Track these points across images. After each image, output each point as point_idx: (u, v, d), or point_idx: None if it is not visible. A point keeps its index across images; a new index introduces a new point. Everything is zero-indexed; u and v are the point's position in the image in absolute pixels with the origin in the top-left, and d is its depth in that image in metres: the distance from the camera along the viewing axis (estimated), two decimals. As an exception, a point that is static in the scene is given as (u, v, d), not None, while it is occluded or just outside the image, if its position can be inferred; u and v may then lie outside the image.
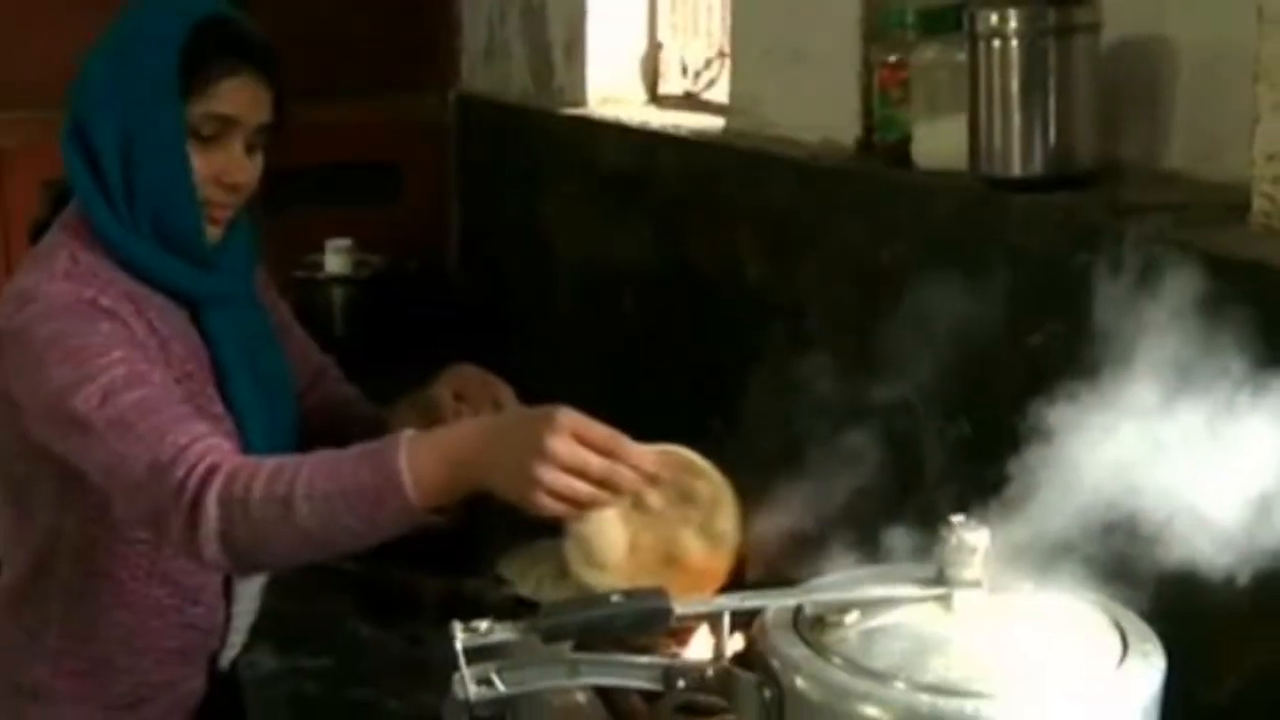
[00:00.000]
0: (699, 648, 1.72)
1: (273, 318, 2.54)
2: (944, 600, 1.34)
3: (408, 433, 1.92)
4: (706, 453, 1.98)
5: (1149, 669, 1.26)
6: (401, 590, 2.69)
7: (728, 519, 1.94)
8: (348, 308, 4.56)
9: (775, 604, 1.42)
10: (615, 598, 1.49)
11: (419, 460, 1.86)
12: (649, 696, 1.72)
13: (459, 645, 1.43)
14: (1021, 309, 1.86)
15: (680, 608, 1.48)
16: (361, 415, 2.58)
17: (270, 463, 1.94)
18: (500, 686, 1.43)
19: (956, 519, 1.35)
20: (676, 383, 3.07)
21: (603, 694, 1.82)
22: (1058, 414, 1.31)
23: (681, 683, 1.44)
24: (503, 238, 4.72)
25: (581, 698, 1.83)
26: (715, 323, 2.87)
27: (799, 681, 1.28)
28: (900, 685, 1.22)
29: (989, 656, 1.27)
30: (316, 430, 2.42)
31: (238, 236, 2.34)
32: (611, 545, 1.91)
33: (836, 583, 1.47)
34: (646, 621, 1.50)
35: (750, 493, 1.95)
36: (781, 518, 1.86)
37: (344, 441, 1.99)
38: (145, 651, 2.38)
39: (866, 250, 2.25)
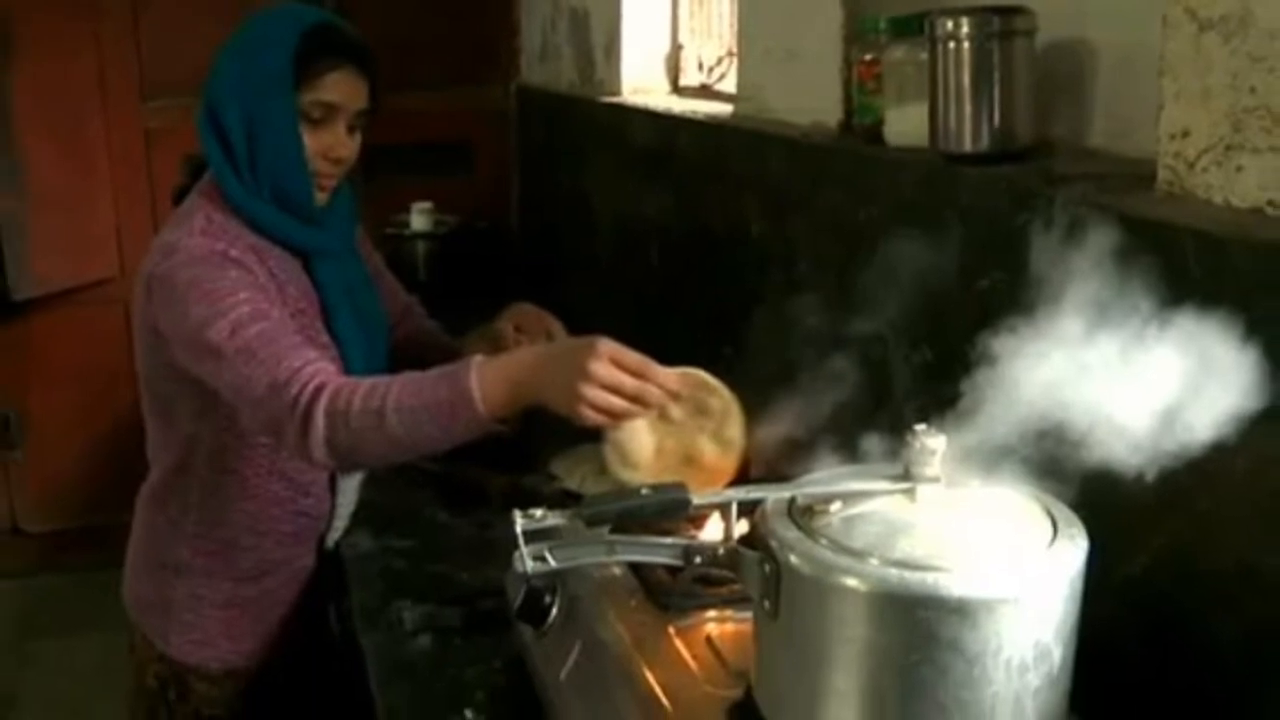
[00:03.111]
0: (712, 531, 1.73)
1: (368, 266, 2.55)
2: (909, 493, 1.34)
3: (477, 358, 1.93)
4: (718, 374, 1.98)
5: (1074, 549, 1.26)
6: (472, 485, 2.70)
7: (736, 428, 1.95)
8: (429, 258, 4.57)
9: (773, 496, 1.42)
10: (644, 491, 1.50)
11: (486, 380, 1.87)
12: (672, 570, 1.72)
13: (519, 528, 1.43)
14: (971, 259, 1.85)
15: (697, 499, 1.48)
16: (440, 344, 2.59)
17: (366, 382, 1.95)
18: (552, 562, 1.44)
19: (919, 427, 1.36)
20: (694, 318, 3.07)
21: (634, 568, 1.81)
22: (1001, 343, 1.31)
23: (698, 559, 1.45)
24: (554, 202, 4.72)
25: (617, 571, 1.83)
26: (725, 270, 2.87)
27: (792, 558, 1.29)
28: (874, 561, 1.22)
29: (945, 538, 1.27)
30: (404, 357, 2.43)
31: (341, 200, 2.34)
32: (641, 449, 1.91)
33: (823, 479, 1.47)
34: (670, 510, 1.50)
35: (753, 406, 1.96)
36: (778, 427, 1.86)
37: (426, 366, 2.00)
38: (266, 534, 2.39)
39: (847, 212, 2.25)
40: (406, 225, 4.71)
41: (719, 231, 2.89)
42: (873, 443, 1.52)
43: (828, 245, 2.33)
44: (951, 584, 1.19)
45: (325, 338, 2.29)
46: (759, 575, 1.37)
